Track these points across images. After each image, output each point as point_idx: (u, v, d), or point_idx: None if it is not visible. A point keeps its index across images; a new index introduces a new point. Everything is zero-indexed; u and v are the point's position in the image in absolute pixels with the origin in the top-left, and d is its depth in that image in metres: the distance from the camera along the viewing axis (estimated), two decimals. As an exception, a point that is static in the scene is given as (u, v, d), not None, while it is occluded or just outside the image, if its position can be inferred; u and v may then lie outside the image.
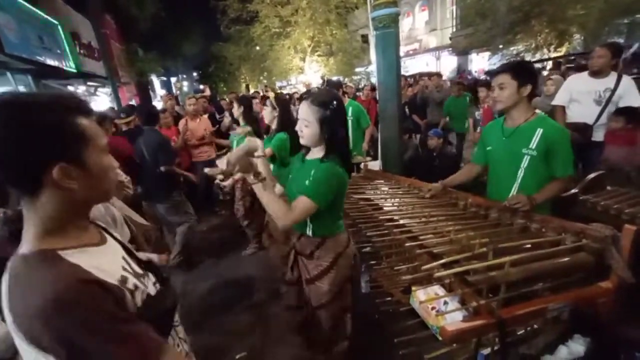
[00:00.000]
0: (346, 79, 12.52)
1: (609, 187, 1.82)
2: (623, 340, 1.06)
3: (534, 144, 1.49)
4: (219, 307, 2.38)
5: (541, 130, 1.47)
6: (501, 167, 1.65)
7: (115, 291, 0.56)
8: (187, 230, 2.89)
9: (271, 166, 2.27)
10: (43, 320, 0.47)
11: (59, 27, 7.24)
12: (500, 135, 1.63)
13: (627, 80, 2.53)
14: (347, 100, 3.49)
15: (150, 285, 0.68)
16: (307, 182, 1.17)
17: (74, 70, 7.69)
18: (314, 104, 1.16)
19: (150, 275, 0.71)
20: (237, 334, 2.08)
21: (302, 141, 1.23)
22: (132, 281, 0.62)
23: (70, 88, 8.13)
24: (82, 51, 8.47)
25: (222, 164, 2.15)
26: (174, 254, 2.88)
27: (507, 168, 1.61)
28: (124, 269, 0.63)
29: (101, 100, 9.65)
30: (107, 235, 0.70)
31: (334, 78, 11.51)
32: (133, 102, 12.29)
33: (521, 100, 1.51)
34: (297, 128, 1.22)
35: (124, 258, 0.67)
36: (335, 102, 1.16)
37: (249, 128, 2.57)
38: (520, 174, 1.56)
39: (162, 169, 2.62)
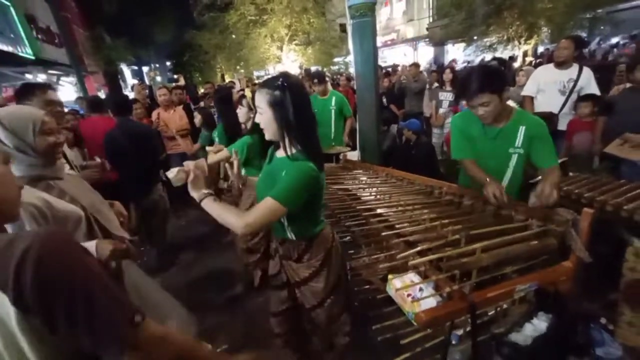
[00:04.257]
0: (325, 69, 12.41)
1: (571, 173, 1.94)
2: (580, 314, 1.15)
3: (519, 142, 1.52)
4: (199, 301, 2.34)
5: (523, 127, 1.50)
6: (487, 166, 1.62)
7: None
8: (165, 233, 2.81)
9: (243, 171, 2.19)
10: (28, 270, 0.43)
11: (11, 8, 6.66)
12: (482, 134, 1.61)
13: (587, 72, 2.69)
14: (330, 91, 3.48)
15: None
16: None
17: (32, 57, 7.12)
18: (263, 87, 1.09)
19: None
20: (216, 328, 2.06)
21: (266, 136, 1.15)
22: None
23: (29, 76, 7.53)
24: (39, 36, 7.86)
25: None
26: (155, 258, 2.76)
27: (494, 167, 1.61)
28: None
29: (66, 91, 9.03)
30: None
31: (313, 68, 11.36)
32: (102, 92, 11.61)
33: (504, 105, 1.52)
34: (256, 120, 1.14)
35: None
36: (285, 81, 1.06)
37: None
38: (509, 172, 1.59)
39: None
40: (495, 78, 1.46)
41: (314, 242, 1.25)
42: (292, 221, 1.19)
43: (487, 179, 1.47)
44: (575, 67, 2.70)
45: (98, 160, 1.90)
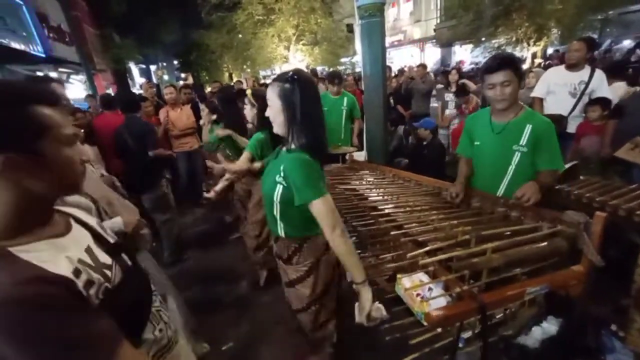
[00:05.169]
0: (331, 69, 12.40)
1: (582, 177, 1.91)
2: (591, 319, 1.14)
3: (524, 140, 1.49)
4: (204, 299, 2.36)
5: (530, 126, 1.47)
6: (490, 162, 1.63)
7: (68, 284, 0.54)
8: (172, 229, 2.84)
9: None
10: None
11: (24, 7, 6.76)
12: (488, 130, 1.60)
13: (599, 74, 2.65)
14: (342, 91, 3.49)
15: (117, 276, 0.66)
16: (278, 177, 1.10)
17: (43, 55, 7.24)
18: (275, 81, 1.10)
19: (118, 266, 0.68)
20: (222, 326, 2.07)
21: (274, 128, 1.15)
22: (85, 277, 0.58)
23: (40, 74, 7.65)
24: (51, 34, 7.98)
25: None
26: (166, 255, 2.84)
27: (496, 164, 1.59)
28: (81, 262, 0.59)
29: (75, 88, 9.16)
30: (73, 223, 0.67)
31: (319, 68, 11.36)
32: (110, 91, 11.75)
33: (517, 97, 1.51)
34: (266, 113, 1.14)
35: (88, 249, 0.64)
36: (295, 75, 1.06)
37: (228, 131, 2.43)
38: (511, 170, 1.56)
39: (151, 153, 2.54)
40: (517, 62, 1.51)
41: (304, 245, 1.22)
42: (284, 217, 1.17)
43: (457, 181, 1.68)
44: (587, 69, 2.67)
45: (115, 181, 2.01)
